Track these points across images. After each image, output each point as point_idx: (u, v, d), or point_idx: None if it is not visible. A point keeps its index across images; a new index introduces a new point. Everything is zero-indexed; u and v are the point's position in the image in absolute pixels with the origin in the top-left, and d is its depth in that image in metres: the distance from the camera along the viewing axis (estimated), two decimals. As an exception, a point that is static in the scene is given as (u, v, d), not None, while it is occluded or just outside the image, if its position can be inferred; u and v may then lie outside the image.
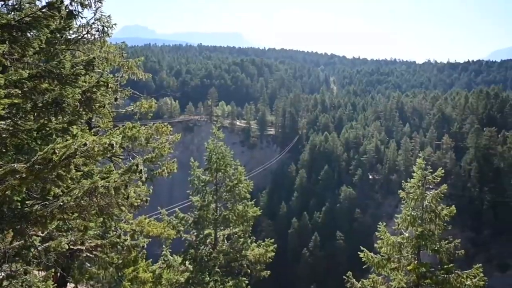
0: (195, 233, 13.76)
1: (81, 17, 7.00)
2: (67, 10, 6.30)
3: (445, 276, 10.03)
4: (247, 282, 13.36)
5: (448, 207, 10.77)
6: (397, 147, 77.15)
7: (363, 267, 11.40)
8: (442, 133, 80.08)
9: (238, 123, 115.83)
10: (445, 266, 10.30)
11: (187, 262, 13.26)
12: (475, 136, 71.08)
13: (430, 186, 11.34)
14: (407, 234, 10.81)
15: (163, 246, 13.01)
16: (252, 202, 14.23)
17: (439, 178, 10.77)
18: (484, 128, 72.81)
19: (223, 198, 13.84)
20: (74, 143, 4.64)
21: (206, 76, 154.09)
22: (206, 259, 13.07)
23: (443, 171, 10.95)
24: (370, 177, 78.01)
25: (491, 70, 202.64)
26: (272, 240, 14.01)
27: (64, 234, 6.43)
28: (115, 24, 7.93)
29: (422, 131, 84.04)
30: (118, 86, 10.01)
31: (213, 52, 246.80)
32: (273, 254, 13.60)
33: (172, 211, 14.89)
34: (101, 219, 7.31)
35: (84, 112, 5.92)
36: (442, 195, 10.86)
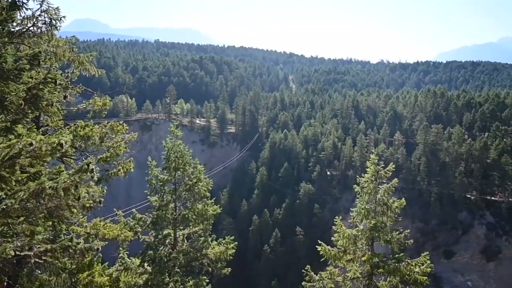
0: (154, 234, 13.44)
1: (26, 9, 6.55)
2: (9, 0, 5.87)
3: (396, 264, 10.61)
4: (207, 280, 13.31)
5: (398, 200, 11.38)
6: (353, 144, 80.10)
7: (321, 260, 11.77)
8: (394, 130, 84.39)
9: (197, 121, 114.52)
10: (396, 256, 10.90)
11: (145, 264, 12.93)
12: (423, 132, 75.56)
13: (384, 181, 11.92)
14: (361, 227, 11.29)
15: (120, 248, 12.59)
16: (212, 201, 14.17)
17: (391, 173, 11.35)
18: (432, 125, 77.68)
19: (182, 197, 13.64)
20: (19, 143, 4.35)
21: (164, 73, 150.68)
22: (165, 260, 12.83)
23: (394, 166, 11.55)
24: (328, 173, 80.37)
25: (438, 70, 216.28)
26: (233, 238, 14.03)
27: (9, 239, 6.02)
28: (64, 17, 7.53)
29: (376, 128, 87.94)
30: (69, 82, 9.52)
31: (171, 48, 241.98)
32: (233, 251, 13.62)
33: (130, 212, 14.45)
34: (50, 222, 6.93)
35: (29, 111, 5.57)
36: (394, 188, 11.46)
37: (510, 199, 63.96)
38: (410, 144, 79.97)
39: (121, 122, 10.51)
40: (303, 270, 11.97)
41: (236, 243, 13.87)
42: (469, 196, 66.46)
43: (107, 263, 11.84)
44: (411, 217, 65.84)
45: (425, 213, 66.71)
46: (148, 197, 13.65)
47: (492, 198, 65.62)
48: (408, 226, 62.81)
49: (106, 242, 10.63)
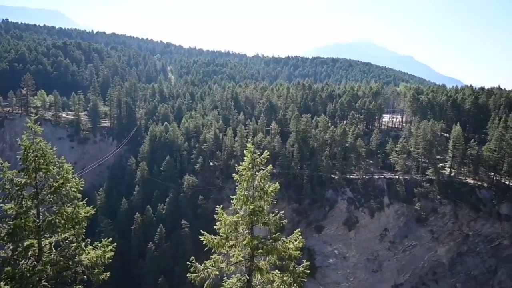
0: (12, 247, 11.56)
1: None
2: None
3: (274, 244, 11.51)
4: (83, 289, 12.15)
5: (273, 184, 12.28)
6: (233, 134, 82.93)
7: (205, 249, 11.95)
8: (271, 120, 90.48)
9: (64, 115, 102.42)
10: (273, 236, 11.80)
11: (2, 283, 11.06)
12: (295, 121, 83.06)
13: (262, 168, 12.66)
14: (241, 213, 11.85)
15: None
16: (84, 202, 12.89)
17: (266, 160, 12.14)
18: (302, 115, 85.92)
19: (47, 201, 12.01)
20: None
21: (17, 60, 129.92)
22: (28, 275, 11.18)
23: (268, 153, 12.38)
24: (211, 164, 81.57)
25: (306, 65, 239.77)
26: (110, 239, 13.07)
27: None
28: None
29: (254, 119, 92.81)
30: None
31: (26, 31, 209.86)
32: (112, 254, 12.70)
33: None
34: None
35: None
36: (269, 174, 12.30)
37: (364, 176, 75.64)
38: (284, 132, 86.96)
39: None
40: (188, 262, 11.98)
41: (115, 244, 12.97)
42: (333, 176, 76.05)
43: None
44: (287, 199, 72.12)
45: (299, 194, 73.78)
46: (1, 205, 11.63)
47: (351, 176, 76.55)
48: (285, 207, 68.71)
49: None
